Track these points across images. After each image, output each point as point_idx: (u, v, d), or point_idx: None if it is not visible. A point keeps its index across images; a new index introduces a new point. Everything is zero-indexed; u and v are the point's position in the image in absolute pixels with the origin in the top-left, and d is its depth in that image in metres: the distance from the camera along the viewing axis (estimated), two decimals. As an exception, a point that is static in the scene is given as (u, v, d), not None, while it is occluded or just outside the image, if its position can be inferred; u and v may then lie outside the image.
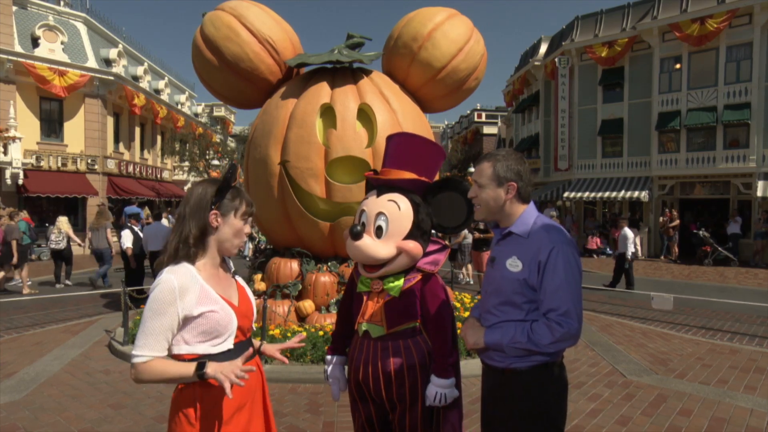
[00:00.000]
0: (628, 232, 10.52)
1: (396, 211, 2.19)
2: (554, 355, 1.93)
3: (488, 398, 2.08)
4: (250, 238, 14.20)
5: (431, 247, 2.30)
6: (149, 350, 1.64)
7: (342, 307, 2.46)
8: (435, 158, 2.36)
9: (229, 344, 1.76)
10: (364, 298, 2.26)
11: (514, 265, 1.92)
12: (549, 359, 1.93)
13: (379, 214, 2.19)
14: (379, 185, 2.30)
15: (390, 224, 2.17)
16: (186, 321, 1.69)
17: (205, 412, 1.69)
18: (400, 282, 2.20)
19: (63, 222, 11.09)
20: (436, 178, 2.40)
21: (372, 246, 2.14)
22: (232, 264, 1.99)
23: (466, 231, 11.39)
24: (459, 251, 11.54)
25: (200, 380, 1.63)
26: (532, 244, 1.91)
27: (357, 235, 2.13)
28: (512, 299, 1.93)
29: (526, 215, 1.99)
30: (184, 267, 1.72)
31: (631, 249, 10.38)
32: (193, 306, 1.68)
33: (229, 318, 1.75)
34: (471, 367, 5.22)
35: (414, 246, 2.18)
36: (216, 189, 1.79)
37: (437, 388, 2.15)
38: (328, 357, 2.41)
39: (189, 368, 1.63)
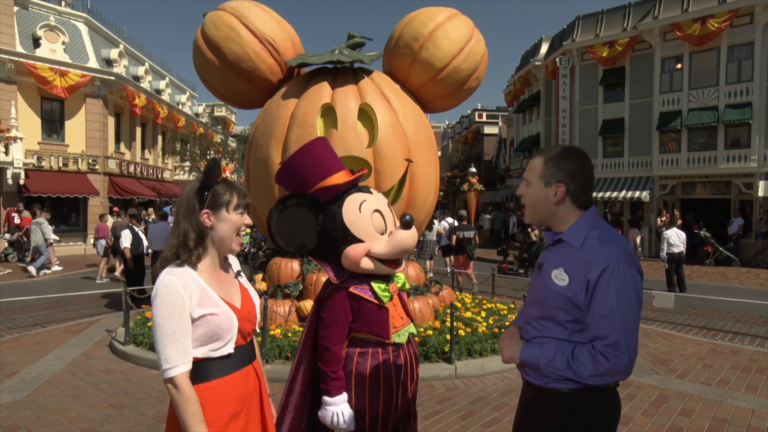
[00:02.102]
0: (670, 232, 10.31)
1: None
2: None
3: (523, 413, 1.88)
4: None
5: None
6: (180, 358, 1.58)
7: (341, 342, 2.12)
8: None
9: (229, 348, 1.70)
10: (389, 307, 2.16)
11: (560, 277, 1.68)
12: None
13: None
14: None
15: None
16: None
17: None
18: (402, 276, 2.24)
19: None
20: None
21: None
22: (236, 264, 1.92)
23: (431, 227, 11.91)
24: (420, 247, 12.13)
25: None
26: (584, 257, 1.65)
27: (408, 224, 2.08)
28: (554, 315, 1.70)
29: (582, 222, 1.73)
30: (183, 269, 1.67)
31: (665, 249, 10.17)
32: (194, 308, 1.63)
33: (230, 321, 1.69)
34: (471, 368, 5.22)
35: None
36: (199, 187, 1.73)
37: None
38: (341, 397, 2.05)
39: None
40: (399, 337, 2.14)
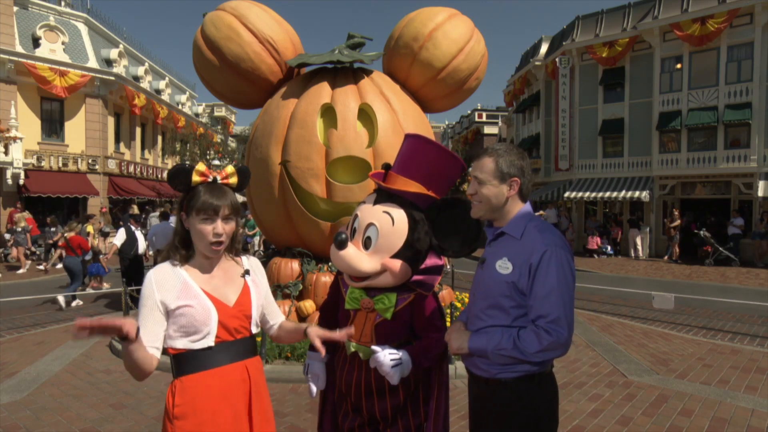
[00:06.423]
0: None
1: (388, 224, 2.01)
2: (542, 364, 1.82)
3: (475, 406, 1.98)
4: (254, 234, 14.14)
5: (428, 263, 2.12)
6: (144, 339, 1.68)
7: (326, 310, 2.35)
8: (451, 171, 2.13)
9: (208, 342, 1.72)
10: (352, 314, 2.13)
11: (504, 266, 1.81)
12: (536, 369, 1.81)
13: (370, 225, 2.03)
14: (381, 190, 2.13)
15: (380, 238, 2.00)
16: (168, 315, 1.72)
17: (181, 412, 1.69)
18: (392, 303, 2.06)
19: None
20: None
21: (355, 257, 2.01)
22: (247, 263, 1.92)
23: None
24: None
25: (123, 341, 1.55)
26: (525, 245, 1.80)
27: (341, 245, 1.99)
28: (500, 303, 1.82)
29: (521, 215, 1.89)
30: (165, 264, 1.78)
31: None
32: (173, 299, 1.71)
33: (206, 314, 1.72)
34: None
35: (400, 268, 2.01)
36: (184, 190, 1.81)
37: (395, 360, 1.97)
38: (310, 352, 2.24)
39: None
40: (348, 346, 2.12)
